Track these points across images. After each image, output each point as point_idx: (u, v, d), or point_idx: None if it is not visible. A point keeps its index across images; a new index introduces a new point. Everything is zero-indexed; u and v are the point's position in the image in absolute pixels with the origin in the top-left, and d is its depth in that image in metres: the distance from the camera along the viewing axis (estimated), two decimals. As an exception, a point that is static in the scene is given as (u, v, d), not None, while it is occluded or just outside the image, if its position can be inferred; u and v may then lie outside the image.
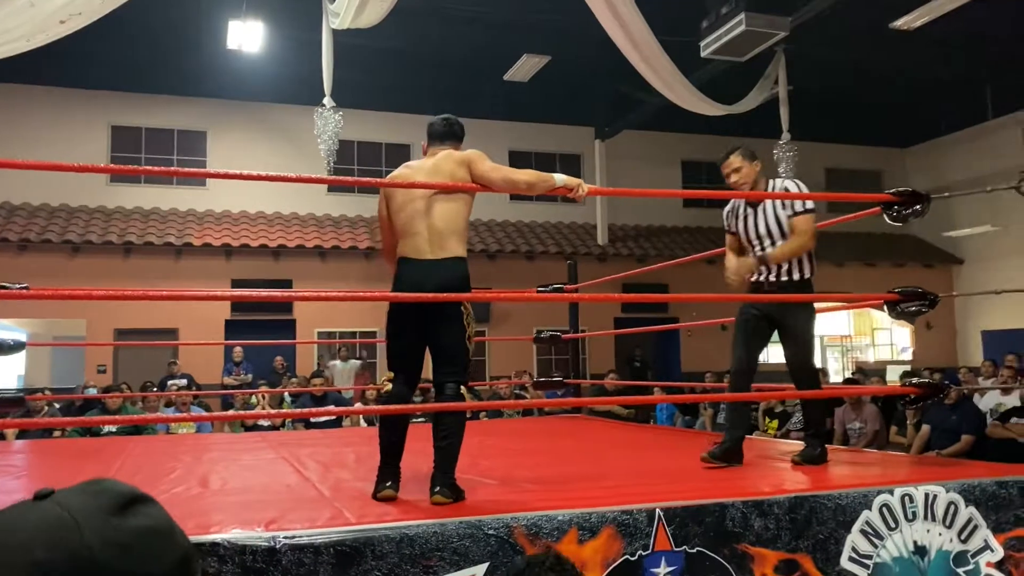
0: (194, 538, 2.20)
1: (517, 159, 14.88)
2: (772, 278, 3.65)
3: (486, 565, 2.38)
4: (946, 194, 3.88)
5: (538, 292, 6.23)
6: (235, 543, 2.21)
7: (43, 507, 0.69)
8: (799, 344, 3.60)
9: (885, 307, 3.62)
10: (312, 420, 7.83)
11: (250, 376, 11.42)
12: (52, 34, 6.67)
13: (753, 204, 3.73)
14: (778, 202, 3.63)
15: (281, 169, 12.86)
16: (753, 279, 3.73)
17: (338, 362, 11.68)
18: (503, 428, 6.55)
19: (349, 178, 13.79)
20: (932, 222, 15.31)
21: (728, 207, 3.92)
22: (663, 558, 2.55)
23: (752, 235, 3.74)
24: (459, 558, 2.36)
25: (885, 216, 3.67)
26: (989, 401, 7.51)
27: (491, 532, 2.41)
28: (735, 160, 3.72)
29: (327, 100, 9.26)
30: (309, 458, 4.18)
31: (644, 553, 2.50)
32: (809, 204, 3.59)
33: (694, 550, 2.58)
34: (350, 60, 9.78)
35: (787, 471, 3.64)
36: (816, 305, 3.90)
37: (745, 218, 3.77)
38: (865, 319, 16.74)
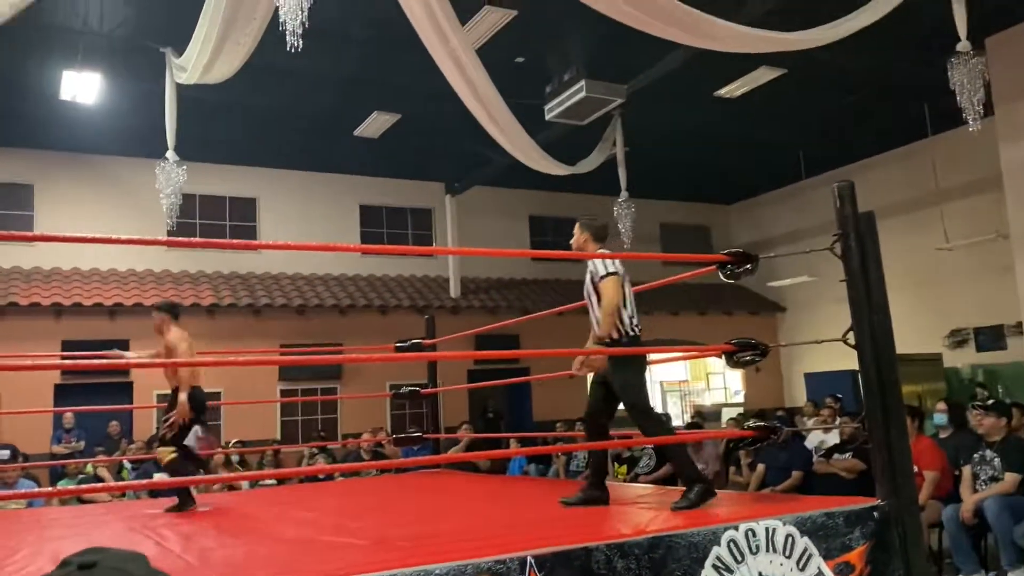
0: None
1: (368, 214, 14.92)
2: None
3: (367, 625, 2.41)
4: (772, 254, 4.31)
5: (396, 349, 6.29)
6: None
7: None
8: (626, 398, 3.95)
9: (724, 358, 3.95)
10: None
11: (83, 444, 10.70)
12: None
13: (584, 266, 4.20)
14: (592, 269, 4.02)
15: (116, 223, 12.30)
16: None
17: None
18: (365, 487, 6.49)
19: (190, 239, 13.36)
20: (756, 274, 16.59)
21: None
22: (536, 603, 2.67)
23: (585, 295, 4.14)
24: (340, 620, 2.38)
25: (720, 274, 4.02)
26: (813, 439, 8.18)
27: (371, 592, 2.45)
28: (575, 228, 4.24)
29: (170, 154, 8.99)
30: (165, 528, 4.01)
31: (518, 600, 2.61)
32: (610, 268, 3.94)
33: (564, 594, 2.72)
34: (193, 113, 9.54)
35: (644, 513, 3.86)
36: (657, 356, 4.23)
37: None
38: (700, 365, 17.74)
